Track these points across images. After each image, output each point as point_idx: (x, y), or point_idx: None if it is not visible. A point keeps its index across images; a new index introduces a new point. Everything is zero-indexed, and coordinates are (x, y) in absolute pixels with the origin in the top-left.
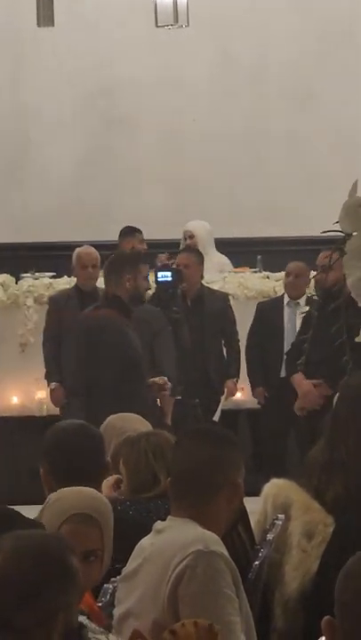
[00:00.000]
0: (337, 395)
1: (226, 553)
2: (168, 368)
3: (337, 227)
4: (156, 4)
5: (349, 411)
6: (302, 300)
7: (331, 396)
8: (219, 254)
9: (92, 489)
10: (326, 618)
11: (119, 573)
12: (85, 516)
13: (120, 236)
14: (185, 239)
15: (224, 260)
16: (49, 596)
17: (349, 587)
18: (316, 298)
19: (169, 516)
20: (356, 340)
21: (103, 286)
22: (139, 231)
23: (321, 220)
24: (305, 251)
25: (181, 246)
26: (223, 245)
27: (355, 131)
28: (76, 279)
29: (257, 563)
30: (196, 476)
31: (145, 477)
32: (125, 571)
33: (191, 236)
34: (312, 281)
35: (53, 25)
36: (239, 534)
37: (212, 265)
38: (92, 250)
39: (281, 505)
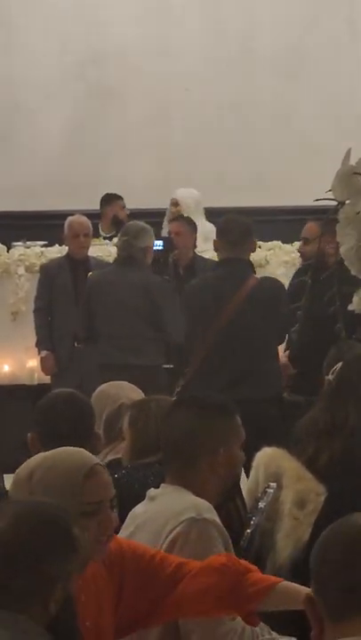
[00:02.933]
0: (340, 363)
1: (218, 521)
2: None
3: (329, 195)
4: None
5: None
6: None
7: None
8: (205, 223)
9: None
10: (306, 594)
11: None
12: (102, 466)
13: (101, 203)
14: (171, 206)
15: (209, 228)
16: (48, 564)
17: (328, 559)
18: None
19: (162, 484)
20: (349, 308)
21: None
22: (120, 198)
23: (310, 189)
24: (296, 220)
25: (167, 214)
26: (212, 215)
27: (344, 99)
28: (67, 248)
29: (249, 531)
30: (178, 444)
31: (154, 441)
32: None
33: (175, 204)
34: None
35: None
36: (235, 504)
37: (197, 234)
38: (84, 219)
39: (273, 474)
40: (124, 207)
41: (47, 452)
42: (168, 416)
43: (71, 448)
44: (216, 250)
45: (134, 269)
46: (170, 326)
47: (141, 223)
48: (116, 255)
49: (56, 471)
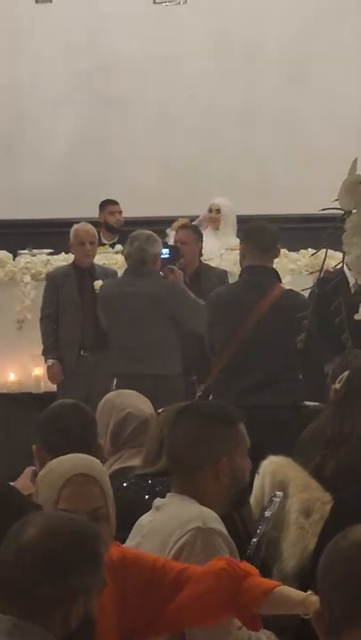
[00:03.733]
0: (346, 372)
1: (224, 530)
2: None
3: (336, 204)
4: None
5: None
6: None
7: None
8: (235, 239)
9: (82, 454)
10: (314, 610)
11: None
12: (85, 475)
13: (100, 208)
14: (210, 212)
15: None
16: (74, 579)
17: (334, 570)
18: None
19: (168, 493)
20: (356, 317)
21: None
22: (112, 203)
23: (316, 197)
24: (302, 228)
25: (201, 218)
26: None
27: (349, 108)
28: (73, 256)
29: (255, 540)
30: (181, 453)
31: None
32: None
33: (218, 211)
34: None
35: (51, 1)
36: (241, 513)
37: (222, 245)
38: (90, 227)
39: (279, 482)
40: (120, 212)
41: (55, 459)
42: (172, 425)
43: (67, 456)
44: (243, 256)
45: (144, 278)
46: (190, 322)
47: (148, 231)
48: (125, 263)
49: (50, 474)
